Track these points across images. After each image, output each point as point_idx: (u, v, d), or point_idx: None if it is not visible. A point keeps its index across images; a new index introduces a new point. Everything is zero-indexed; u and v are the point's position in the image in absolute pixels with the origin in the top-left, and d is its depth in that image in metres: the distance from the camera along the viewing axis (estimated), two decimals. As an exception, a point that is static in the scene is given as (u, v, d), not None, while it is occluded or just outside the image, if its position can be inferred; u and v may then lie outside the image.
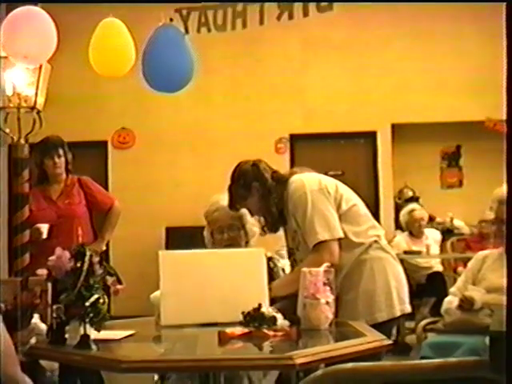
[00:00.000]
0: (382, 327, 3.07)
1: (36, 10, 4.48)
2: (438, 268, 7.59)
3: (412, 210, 7.81)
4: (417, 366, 1.46)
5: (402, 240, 7.75)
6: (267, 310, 2.74)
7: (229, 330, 2.62)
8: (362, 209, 3.41)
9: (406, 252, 7.49)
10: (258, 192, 3.38)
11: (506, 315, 1.29)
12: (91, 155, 9.23)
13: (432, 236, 7.88)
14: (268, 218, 3.42)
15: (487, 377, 1.39)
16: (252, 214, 3.50)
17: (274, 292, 3.16)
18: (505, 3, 1.25)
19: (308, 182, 3.35)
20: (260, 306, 2.73)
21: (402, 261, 6.55)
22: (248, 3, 4.46)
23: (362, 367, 1.44)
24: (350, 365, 1.46)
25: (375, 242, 3.35)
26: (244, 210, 3.53)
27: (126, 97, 9.22)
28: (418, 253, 7.50)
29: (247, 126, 9.30)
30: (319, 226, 3.21)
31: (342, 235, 3.24)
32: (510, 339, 1.30)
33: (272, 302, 3.05)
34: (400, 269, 3.45)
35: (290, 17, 4.51)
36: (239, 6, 4.65)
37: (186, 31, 4.93)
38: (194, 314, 2.95)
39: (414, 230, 7.73)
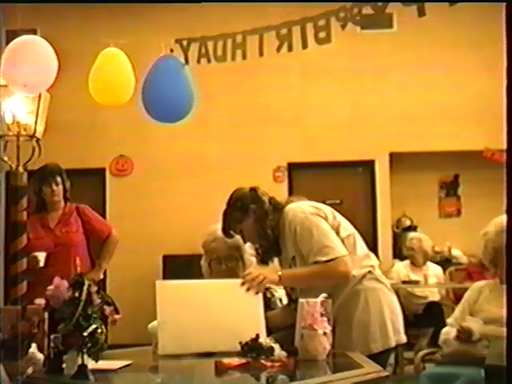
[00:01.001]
0: (377, 358, 3.08)
1: (36, 39, 4.54)
2: (436, 298, 7.57)
3: (417, 239, 7.76)
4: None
5: (402, 267, 7.73)
6: (265, 340, 2.76)
7: (226, 361, 2.64)
8: (358, 238, 3.43)
9: (404, 282, 7.48)
10: (255, 214, 3.38)
11: (506, 345, 1.32)
12: (89, 183, 9.27)
13: (434, 270, 7.81)
14: (263, 242, 3.41)
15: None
16: (245, 241, 3.49)
17: (283, 281, 3.24)
18: (505, 3, 1.28)
19: (306, 207, 3.39)
20: (257, 336, 2.74)
21: (397, 291, 6.59)
22: (248, 34, 4.52)
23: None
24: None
25: (369, 272, 3.37)
26: (241, 240, 3.54)
27: (124, 124, 9.28)
28: (416, 282, 7.48)
29: (245, 153, 9.34)
30: (329, 245, 3.23)
31: (346, 252, 3.26)
32: (510, 367, 1.33)
33: (269, 332, 3.07)
34: (395, 299, 3.47)
35: (290, 49, 4.56)
36: (239, 37, 4.70)
37: (186, 61, 4.98)
38: (191, 344, 2.96)
39: (416, 258, 7.67)
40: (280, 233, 3.39)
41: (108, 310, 2.65)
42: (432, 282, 7.61)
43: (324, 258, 3.20)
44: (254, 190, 3.46)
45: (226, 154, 9.40)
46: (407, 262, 7.77)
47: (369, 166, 9.56)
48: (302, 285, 3.26)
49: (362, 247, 3.43)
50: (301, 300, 2.85)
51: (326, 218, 3.34)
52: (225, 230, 3.46)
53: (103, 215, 7.33)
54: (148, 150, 9.45)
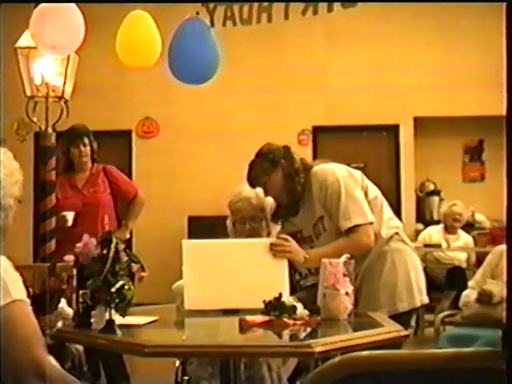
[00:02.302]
0: (402, 317, 3.14)
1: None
2: (462, 264, 7.55)
3: (453, 205, 7.73)
4: (432, 355, 1.50)
5: (435, 232, 7.71)
6: (287, 299, 2.79)
7: (249, 318, 2.67)
8: (384, 201, 3.46)
9: (426, 245, 7.48)
10: (284, 170, 3.38)
11: (506, 310, 1.34)
12: (116, 144, 9.31)
13: (464, 238, 7.79)
14: (286, 198, 3.41)
15: (501, 367, 1.42)
16: (267, 194, 3.48)
17: (307, 263, 3.22)
18: (505, 3, 1.28)
19: (337, 169, 3.40)
20: (280, 295, 2.77)
21: (424, 255, 6.51)
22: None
23: (378, 355, 1.48)
24: (365, 353, 1.51)
25: (396, 233, 3.41)
26: (266, 202, 3.57)
27: (150, 87, 9.28)
28: (439, 246, 7.48)
29: (270, 117, 9.33)
30: (354, 210, 3.26)
31: (373, 220, 3.29)
32: (510, 333, 1.35)
33: (292, 291, 3.11)
34: (418, 261, 3.51)
35: (315, 12, 4.54)
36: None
37: (212, 24, 4.97)
38: (216, 300, 3.01)
39: (449, 224, 7.66)
40: (305, 193, 3.39)
41: (135, 267, 2.69)
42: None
43: (348, 224, 3.24)
44: (286, 147, 3.48)
45: (251, 117, 9.39)
46: (441, 226, 7.74)
47: (393, 130, 9.52)
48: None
49: (387, 209, 3.46)
50: (323, 260, 2.88)
51: (356, 182, 3.38)
52: (250, 179, 3.45)
53: (129, 176, 7.38)
54: (173, 112, 9.47)
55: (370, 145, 9.53)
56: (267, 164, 3.39)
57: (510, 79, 1.27)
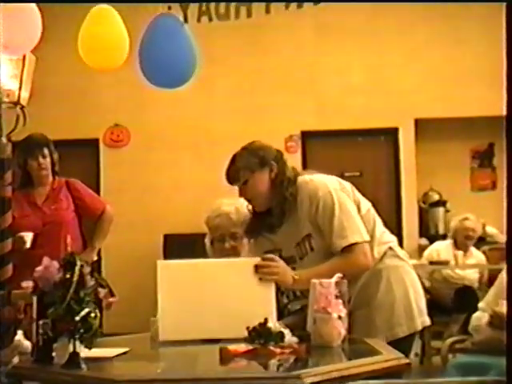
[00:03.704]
0: (402, 343, 3.16)
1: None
2: (474, 284, 7.54)
3: (465, 219, 7.73)
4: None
5: (443, 248, 7.70)
6: (274, 325, 2.79)
7: (232, 347, 2.67)
8: (375, 214, 3.49)
9: (431, 262, 7.49)
10: (272, 173, 3.35)
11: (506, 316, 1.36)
12: (80, 155, 9.31)
13: (476, 256, 7.78)
14: (277, 208, 3.34)
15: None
16: (245, 195, 3.38)
17: (297, 285, 3.19)
18: (505, 3, 1.33)
19: (329, 180, 3.40)
20: (266, 320, 2.77)
21: (431, 273, 6.44)
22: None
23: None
24: (362, 383, 1.52)
25: (390, 248, 3.42)
26: (245, 216, 3.56)
27: (119, 90, 9.30)
28: (446, 263, 7.48)
29: (254, 122, 9.35)
30: (349, 227, 3.25)
31: (368, 238, 3.30)
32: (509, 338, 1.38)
33: (279, 316, 3.11)
34: (416, 277, 3.53)
35: (299, 5, 4.56)
36: (242, -7, 4.71)
37: (186, 20, 4.99)
38: (194, 329, 3.00)
39: (459, 240, 7.65)
40: (290, 207, 3.37)
41: (103, 292, 2.70)
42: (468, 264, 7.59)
43: (343, 243, 3.23)
44: (279, 151, 3.46)
45: (233, 123, 9.41)
46: (449, 242, 7.75)
47: (391, 134, 9.56)
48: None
49: (379, 223, 3.48)
50: (313, 281, 2.89)
51: (349, 195, 3.38)
52: (229, 173, 3.38)
53: (96, 191, 7.37)
54: (146, 118, 9.48)
55: (366, 151, 9.56)
56: (255, 160, 3.35)
57: (510, 79, 1.31)
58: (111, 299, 3.03)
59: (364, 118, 9.37)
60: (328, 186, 3.34)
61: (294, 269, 3.31)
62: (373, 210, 3.48)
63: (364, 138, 9.56)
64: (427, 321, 3.46)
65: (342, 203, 3.30)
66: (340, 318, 2.83)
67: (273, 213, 3.38)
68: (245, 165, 3.35)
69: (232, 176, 3.38)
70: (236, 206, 3.60)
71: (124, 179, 9.40)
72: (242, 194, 3.41)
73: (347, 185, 3.46)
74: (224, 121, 9.47)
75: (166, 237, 9.22)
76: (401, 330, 3.33)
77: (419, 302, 3.44)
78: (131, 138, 9.61)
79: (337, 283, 2.88)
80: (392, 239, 3.50)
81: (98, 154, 9.65)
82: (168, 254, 8.85)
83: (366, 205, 3.45)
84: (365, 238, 3.27)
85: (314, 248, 3.34)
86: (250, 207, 3.48)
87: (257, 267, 3.11)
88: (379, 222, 3.48)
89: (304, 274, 3.18)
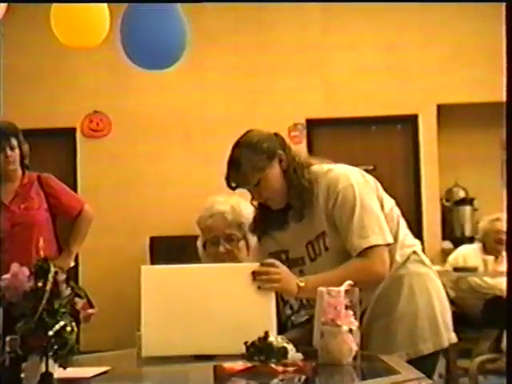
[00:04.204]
0: (425, 361, 3.15)
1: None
2: (504, 292, 7.53)
3: (496, 219, 7.71)
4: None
5: (471, 252, 7.68)
6: (276, 339, 2.79)
7: (227, 365, 2.67)
8: (399, 213, 3.47)
9: (456, 269, 7.48)
10: (282, 164, 3.33)
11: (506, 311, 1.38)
12: (54, 146, 9.33)
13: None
14: (296, 199, 3.31)
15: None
16: (258, 197, 3.36)
17: (303, 293, 3.15)
18: (505, 3, 1.37)
19: (351, 172, 3.36)
20: (267, 334, 2.77)
21: (457, 281, 6.40)
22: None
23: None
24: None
25: (414, 252, 3.41)
26: (245, 217, 3.56)
27: (99, 72, 9.31)
28: (474, 269, 7.47)
29: (253, 109, 9.36)
30: (371, 226, 3.22)
31: (392, 241, 3.27)
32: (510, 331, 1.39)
33: (282, 329, 3.11)
34: (441, 286, 3.52)
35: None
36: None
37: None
38: (183, 344, 3.00)
39: (489, 244, 7.63)
40: (308, 197, 3.32)
41: (80, 303, 2.68)
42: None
43: (364, 243, 3.19)
44: (278, 135, 3.43)
45: (229, 110, 9.42)
46: (476, 245, 7.74)
47: (410, 121, 9.57)
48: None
49: (403, 223, 3.47)
50: (320, 289, 2.88)
51: (372, 190, 3.35)
52: (236, 178, 3.30)
53: (73, 187, 7.38)
54: (129, 104, 9.48)
55: (381, 141, 9.57)
56: (262, 156, 3.30)
57: (509, 87, 1.34)
58: (90, 311, 3.02)
59: (378, 103, 9.37)
60: (350, 178, 3.30)
61: (301, 272, 3.32)
62: (397, 209, 3.46)
63: (378, 126, 9.57)
64: (454, 337, 3.45)
65: (364, 199, 3.27)
66: (351, 331, 2.83)
67: (292, 205, 3.34)
68: (253, 165, 3.29)
69: (240, 181, 3.31)
70: (231, 204, 3.60)
71: (104, 174, 9.41)
72: (255, 196, 3.38)
73: (370, 179, 3.43)
74: (218, 108, 9.48)
75: (152, 240, 9.22)
76: (425, 347, 3.31)
77: (445, 314, 3.42)
78: (112, 126, 9.62)
79: (347, 292, 2.87)
80: (416, 242, 3.48)
81: (74, 146, 9.65)
82: (155, 259, 8.86)
83: (389, 202, 3.43)
84: (388, 240, 3.24)
85: (328, 248, 3.32)
86: (255, 203, 3.46)
87: (255, 274, 3.10)
88: (403, 222, 3.46)
89: (311, 280, 3.16)
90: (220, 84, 9.53)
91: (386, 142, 9.60)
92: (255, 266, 3.15)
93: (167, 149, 9.49)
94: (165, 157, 9.47)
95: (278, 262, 3.17)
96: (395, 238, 3.33)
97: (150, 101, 9.47)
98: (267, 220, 3.45)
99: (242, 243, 3.62)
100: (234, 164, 3.31)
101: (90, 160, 9.57)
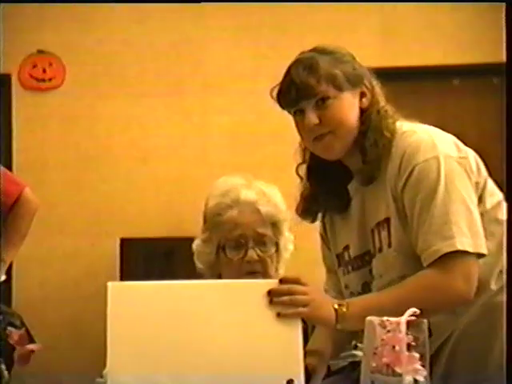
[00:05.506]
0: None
1: None
2: None
3: None
4: None
5: None
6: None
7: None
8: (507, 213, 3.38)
9: None
10: (364, 99, 3.39)
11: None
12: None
13: None
14: (370, 154, 3.31)
15: None
16: (314, 122, 3.29)
17: (344, 322, 3.14)
18: (504, 3, 1.44)
19: (442, 139, 3.33)
20: (291, 382, 2.80)
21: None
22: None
23: None
24: None
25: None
26: (281, 211, 3.57)
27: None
28: None
29: (270, 55, 9.33)
30: (457, 223, 3.15)
31: (486, 252, 3.20)
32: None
33: (308, 376, 3.12)
34: None
35: None
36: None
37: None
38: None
39: None
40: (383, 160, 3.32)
41: (16, 334, 2.72)
42: None
43: (445, 247, 3.13)
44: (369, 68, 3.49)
45: (235, 56, 9.40)
46: None
47: (503, 71, 9.55)
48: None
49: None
50: (369, 319, 2.87)
51: (470, 171, 3.28)
52: (296, 84, 3.31)
53: (7, 164, 7.42)
54: (91, 41, 9.47)
55: (468, 100, 9.59)
56: (346, 70, 3.34)
57: (509, 87, 1.42)
58: (30, 346, 3.01)
59: (460, 49, 9.38)
60: (438, 147, 3.25)
61: (370, 272, 3.35)
62: (504, 206, 3.37)
63: (463, 79, 9.58)
64: None
65: (454, 181, 3.20)
66: (416, 382, 2.83)
67: (366, 161, 3.33)
68: (329, 73, 3.31)
69: (302, 87, 3.30)
70: (262, 189, 3.62)
71: (54, 145, 9.41)
72: (309, 122, 3.31)
73: (470, 154, 3.37)
74: (219, 51, 9.44)
75: (122, 242, 9.20)
76: None
77: None
78: (66, 74, 9.60)
79: (411, 323, 2.87)
80: None
81: (9, 101, 9.65)
82: (126, 269, 8.87)
83: (494, 195, 3.38)
84: (479, 249, 3.17)
85: (392, 244, 3.31)
86: (304, 169, 3.47)
87: (272, 294, 3.07)
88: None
89: (356, 304, 3.18)
90: (221, 17, 9.49)
91: (473, 101, 9.62)
92: (272, 282, 3.14)
93: (146, 108, 9.47)
94: (143, 120, 9.45)
95: (302, 279, 3.15)
96: (496, 252, 3.28)
97: (120, 36, 9.43)
98: (323, 193, 3.47)
99: (273, 250, 3.62)
100: (301, 65, 3.34)
101: (32, 123, 9.55)
